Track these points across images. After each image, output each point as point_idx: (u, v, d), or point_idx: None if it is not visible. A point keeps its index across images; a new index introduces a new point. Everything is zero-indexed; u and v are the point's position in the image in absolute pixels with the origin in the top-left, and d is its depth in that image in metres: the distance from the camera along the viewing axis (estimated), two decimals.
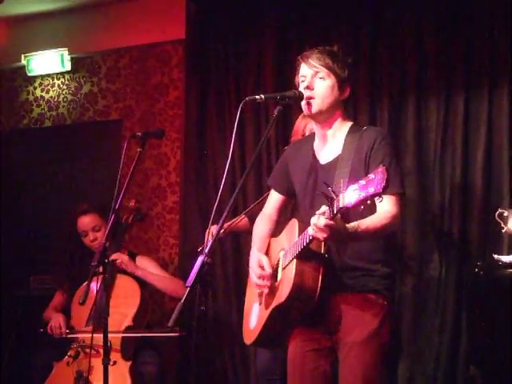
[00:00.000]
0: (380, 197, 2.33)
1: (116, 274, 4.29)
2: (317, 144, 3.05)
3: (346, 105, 3.02)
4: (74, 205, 4.70)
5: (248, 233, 3.39)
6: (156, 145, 5.69)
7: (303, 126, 3.85)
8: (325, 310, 2.87)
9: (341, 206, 2.40)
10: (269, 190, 3.37)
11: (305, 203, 3.02)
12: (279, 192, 3.24)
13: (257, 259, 3.02)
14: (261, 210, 3.35)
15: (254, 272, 3.01)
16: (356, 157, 2.85)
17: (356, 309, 2.86)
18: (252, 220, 3.81)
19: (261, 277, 2.96)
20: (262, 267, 2.98)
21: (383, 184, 2.28)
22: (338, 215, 2.50)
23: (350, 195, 2.37)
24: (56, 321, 4.37)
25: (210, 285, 5.05)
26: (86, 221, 4.53)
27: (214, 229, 4.00)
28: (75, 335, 4.26)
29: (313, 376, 2.96)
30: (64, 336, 4.31)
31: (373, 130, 2.95)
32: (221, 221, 2.70)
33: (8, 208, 6.32)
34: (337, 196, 2.43)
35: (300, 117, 3.90)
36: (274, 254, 3.06)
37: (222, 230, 3.99)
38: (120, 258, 4.32)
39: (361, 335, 2.84)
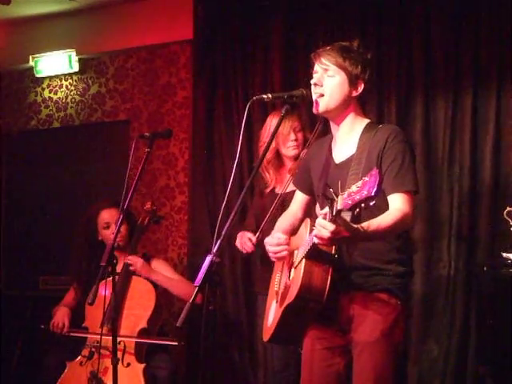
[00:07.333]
0: (372, 200, 2.29)
1: (131, 276, 4.28)
2: (333, 142, 3.03)
3: (361, 101, 2.96)
4: (84, 206, 4.70)
5: None
6: (164, 145, 5.69)
7: (287, 129, 4.02)
8: (336, 309, 2.87)
9: (339, 207, 2.38)
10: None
11: (320, 202, 2.99)
12: (302, 191, 3.21)
13: (272, 236, 3.00)
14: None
15: (270, 244, 2.96)
16: (369, 155, 2.81)
17: (367, 308, 2.84)
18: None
19: (278, 244, 2.93)
20: (277, 238, 2.95)
21: (375, 187, 2.25)
22: (344, 216, 2.43)
23: (346, 197, 2.35)
24: (59, 317, 4.36)
25: (218, 284, 5.04)
26: (111, 213, 4.44)
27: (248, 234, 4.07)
28: (77, 334, 4.27)
29: (325, 374, 2.96)
30: (65, 334, 4.30)
31: (387, 128, 2.91)
32: (229, 221, 2.70)
33: (16, 209, 6.34)
34: (337, 197, 2.41)
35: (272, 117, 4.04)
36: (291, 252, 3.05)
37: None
38: (134, 261, 4.30)
39: (373, 335, 2.82)
